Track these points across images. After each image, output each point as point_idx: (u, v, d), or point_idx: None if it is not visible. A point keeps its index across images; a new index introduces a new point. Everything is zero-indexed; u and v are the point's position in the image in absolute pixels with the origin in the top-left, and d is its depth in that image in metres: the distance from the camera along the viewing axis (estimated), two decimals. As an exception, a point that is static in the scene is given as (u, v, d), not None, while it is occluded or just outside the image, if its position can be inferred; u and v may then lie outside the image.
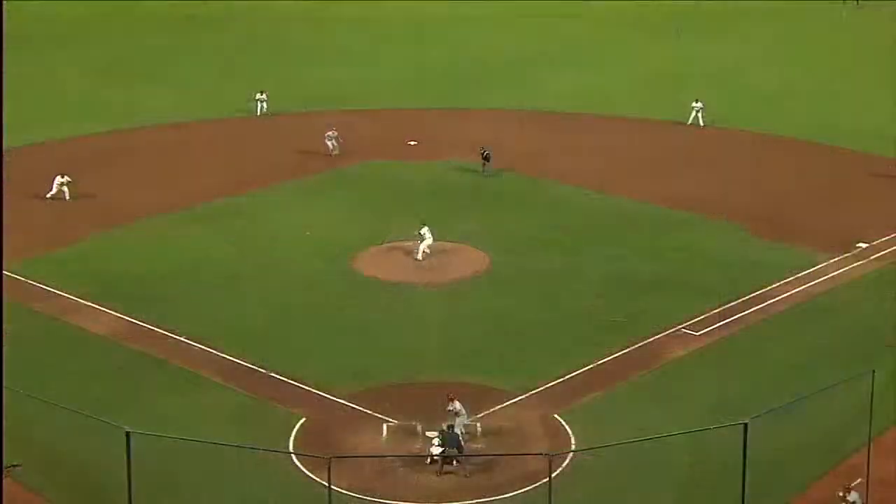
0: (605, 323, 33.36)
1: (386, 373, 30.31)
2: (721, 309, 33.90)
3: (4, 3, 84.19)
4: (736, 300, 34.49)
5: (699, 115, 54.02)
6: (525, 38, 76.79)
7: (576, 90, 62.23)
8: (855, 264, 37.32)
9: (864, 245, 38.39)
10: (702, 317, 33.43)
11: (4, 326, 26.65)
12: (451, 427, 25.66)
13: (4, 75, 54.84)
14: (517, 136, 53.60)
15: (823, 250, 38.23)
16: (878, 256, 37.90)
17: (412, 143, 52.51)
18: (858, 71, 64.19)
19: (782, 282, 35.87)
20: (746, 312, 33.84)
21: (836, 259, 37.59)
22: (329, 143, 49.84)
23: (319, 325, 33.43)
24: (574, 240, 40.05)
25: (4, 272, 32.62)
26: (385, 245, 38.98)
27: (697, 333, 32.57)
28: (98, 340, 31.84)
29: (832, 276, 36.45)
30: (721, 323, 33.16)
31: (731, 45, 72.19)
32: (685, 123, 53.99)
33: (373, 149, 51.53)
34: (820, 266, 37.11)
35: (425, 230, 37.61)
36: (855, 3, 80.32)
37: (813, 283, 36.02)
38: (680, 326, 32.86)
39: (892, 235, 39.35)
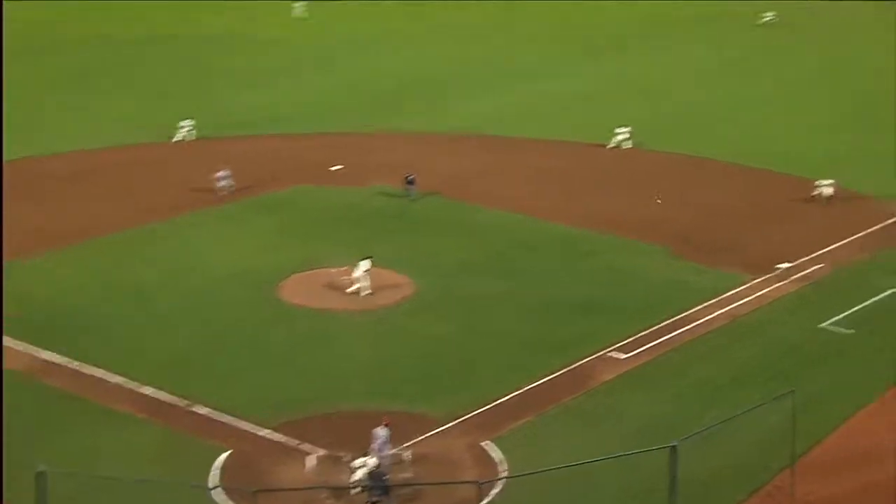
0: (534, 347, 33.68)
1: (312, 402, 30.15)
2: (649, 331, 34.48)
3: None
4: (664, 322, 35.11)
5: (625, 140, 54.73)
6: (451, 59, 77.23)
7: (501, 112, 62.76)
8: (777, 284, 38.25)
9: (786, 265, 39.34)
10: (630, 339, 33.96)
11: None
12: (377, 467, 25.59)
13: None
14: (442, 159, 53.86)
15: (748, 271, 39.10)
16: (800, 276, 38.89)
17: (337, 167, 52.38)
18: (782, 93, 65.82)
19: (708, 303, 36.60)
20: (674, 334, 34.47)
21: (759, 280, 38.47)
22: (220, 183, 47.62)
23: (244, 354, 33.13)
24: (501, 264, 40.37)
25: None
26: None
27: (626, 356, 33.06)
28: (11, 377, 31.05)
29: (756, 297, 37.30)
30: (649, 345, 33.72)
31: (656, 65, 73.46)
32: (613, 147, 54.65)
33: (297, 174, 51.33)
34: (744, 287, 37.95)
35: (366, 262, 37.37)
36: (771, 18, 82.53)
37: (738, 303, 36.81)
38: (609, 349, 33.33)
39: (813, 255, 40.42)
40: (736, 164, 51.81)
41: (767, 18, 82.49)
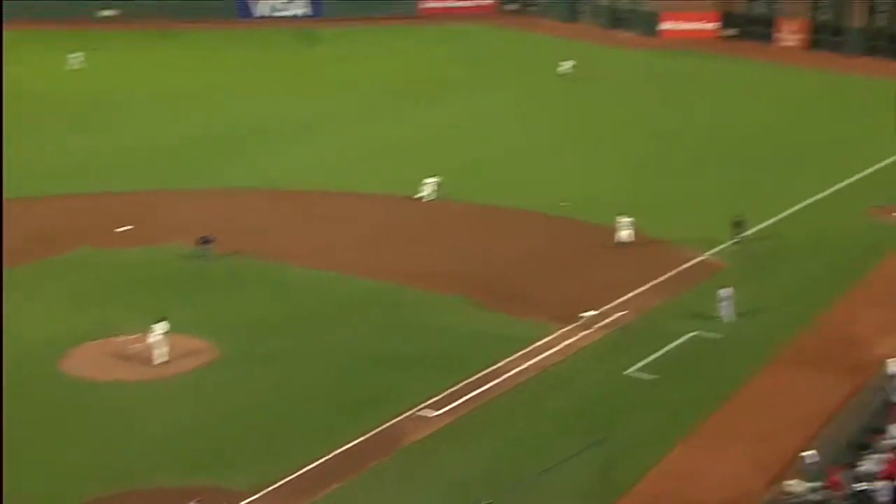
0: (343, 408, 33.72)
1: (103, 483, 29.06)
2: (459, 386, 35.15)
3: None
4: (474, 376, 35.86)
5: (431, 190, 55.70)
6: (245, 113, 76.46)
7: (304, 165, 62.55)
8: (583, 333, 39.77)
9: (590, 313, 41.06)
10: (441, 395, 34.53)
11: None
12: None
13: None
14: (242, 216, 53.32)
15: (554, 321, 40.50)
16: (605, 324, 40.61)
17: (124, 228, 50.82)
18: (578, 142, 68.57)
19: (517, 354, 37.65)
20: (484, 388, 35.29)
21: (566, 329, 39.92)
22: None
23: (25, 435, 31.56)
24: (307, 322, 40.31)
25: None
26: (119, 339, 37.47)
27: (437, 413, 33.62)
28: None
29: (564, 347, 38.69)
30: (460, 400, 34.38)
31: (461, 116, 74.97)
32: (417, 198, 55.53)
33: (80, 237, 49.56)
34: (551, 337, 39.27)
35: (162, 326, 36.45)
36: (569, 69, 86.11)
37: (546, 354, 38.06)
38: (420, 407, 33.78)
39: (616, 302, 42.31)
40: (537, 212, 53.67)
41: (566, 68, 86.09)
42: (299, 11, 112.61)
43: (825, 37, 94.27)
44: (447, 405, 34.05)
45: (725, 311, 40.49)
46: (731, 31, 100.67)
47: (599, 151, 65.11)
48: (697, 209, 53.55)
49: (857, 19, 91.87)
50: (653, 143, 66.08)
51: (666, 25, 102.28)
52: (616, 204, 50.83)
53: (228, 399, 34.24)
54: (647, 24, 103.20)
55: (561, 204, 52.38)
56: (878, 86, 79.79)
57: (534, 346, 38.39)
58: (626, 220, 48.41)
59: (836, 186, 56.01)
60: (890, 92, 77.56)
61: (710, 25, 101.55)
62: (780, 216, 51.97)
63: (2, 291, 33.55)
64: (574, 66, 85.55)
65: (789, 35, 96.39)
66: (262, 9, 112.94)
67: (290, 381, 35.66)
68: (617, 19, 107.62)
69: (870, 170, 58.73)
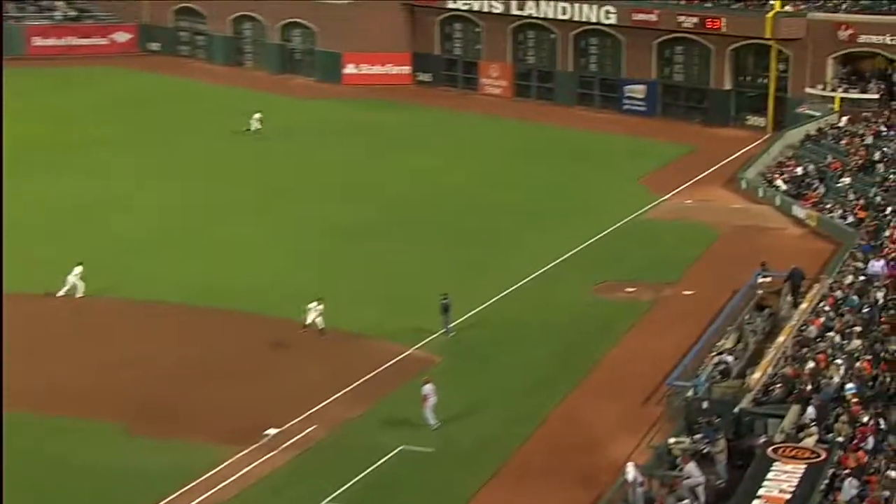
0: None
1: None
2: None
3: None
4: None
5: (74, 284, 53.16)
6: None
7: None
8: (266, 456, 38.99)
9: (273, 431, 40.27)
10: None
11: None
12: None
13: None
14: None
15: (227, 443, 39.50)
16: (292, 443, 39.92)
17: None
18: (254, 211, 67.57)
19: (180, 491, 36.45)
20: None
21: (243, 453, 38.99)
22: None
23: None
24: None
25: None
26: None
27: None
28: None
29: (240, 476, 37.69)
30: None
31: (107, 185, 71.84)
32: (54, 294, 52.78)
33: None
34: (225, 464, 38.22)
35: None
36: (258, 123, 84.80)
37: (218, 487, 36.97)
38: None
39: (304, 415, 41.71)
40: (203, 307, 52.33)
41: (255, 123, 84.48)
42: None
43: (532, 83, 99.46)
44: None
45: (430, 415, 40.86)
46: (425, 77, 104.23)
47: (282, 227, 64.50)
48: (399, 291, 54.07)
49: (567, 63, 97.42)
50: (345, 214, 66.19)
51: (350, 70, 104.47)
52: (301, 289, 50.42)
53: None
54: (327, 68, 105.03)
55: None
56: (596, 140, 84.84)
57: (202, 478, 37.21)
58: (314, 305, 48.61)
59: (559, 259, 58.25)
60: (611, 147, 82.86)
61: (401, 70, 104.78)
62: (500, 296, 53.30)
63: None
64: (261, 121, 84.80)
65: (492, 81, 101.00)
66: None
67: None
68: (290, 62, 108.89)
69: (594, 238, 61.62)
